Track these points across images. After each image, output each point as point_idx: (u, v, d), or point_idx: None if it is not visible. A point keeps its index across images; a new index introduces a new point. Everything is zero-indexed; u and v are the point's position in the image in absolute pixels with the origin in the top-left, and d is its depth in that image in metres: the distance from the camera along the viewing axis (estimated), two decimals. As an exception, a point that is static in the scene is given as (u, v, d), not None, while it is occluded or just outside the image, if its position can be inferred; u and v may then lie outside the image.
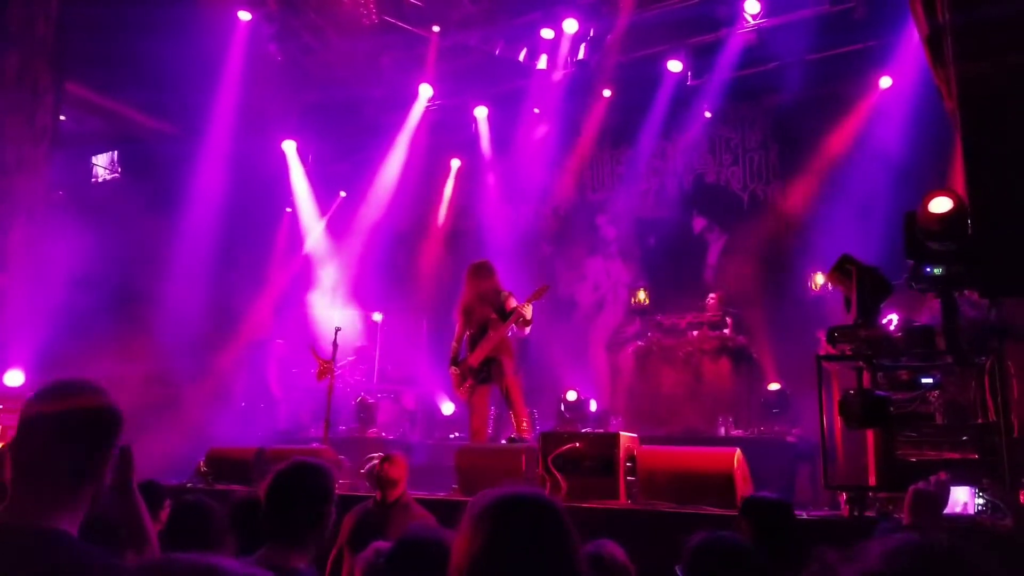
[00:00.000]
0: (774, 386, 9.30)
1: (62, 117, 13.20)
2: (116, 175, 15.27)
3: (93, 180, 15.29)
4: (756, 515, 3.64)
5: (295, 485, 2.66)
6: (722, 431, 9.36)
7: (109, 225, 12.20)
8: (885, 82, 11.05)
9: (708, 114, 12.53)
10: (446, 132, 14.06)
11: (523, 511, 1.75)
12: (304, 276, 14.15)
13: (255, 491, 2.79)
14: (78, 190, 14.41)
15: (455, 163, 14.51)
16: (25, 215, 11.65)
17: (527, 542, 1.69)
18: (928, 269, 5.21)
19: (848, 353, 5.51)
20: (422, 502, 5.76)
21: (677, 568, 2.91)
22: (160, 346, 12.27)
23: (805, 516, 5.48)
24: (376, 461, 6.00)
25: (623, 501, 5.99)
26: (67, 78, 12.25)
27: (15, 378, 9.68)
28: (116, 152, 15.13)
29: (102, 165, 15.35)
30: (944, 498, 3.31)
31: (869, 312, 5.40)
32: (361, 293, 13.34)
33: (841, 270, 5.62)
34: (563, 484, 6.18)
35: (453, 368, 8.03)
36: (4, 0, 11.16)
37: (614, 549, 3.41)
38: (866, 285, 5.43)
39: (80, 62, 11.95)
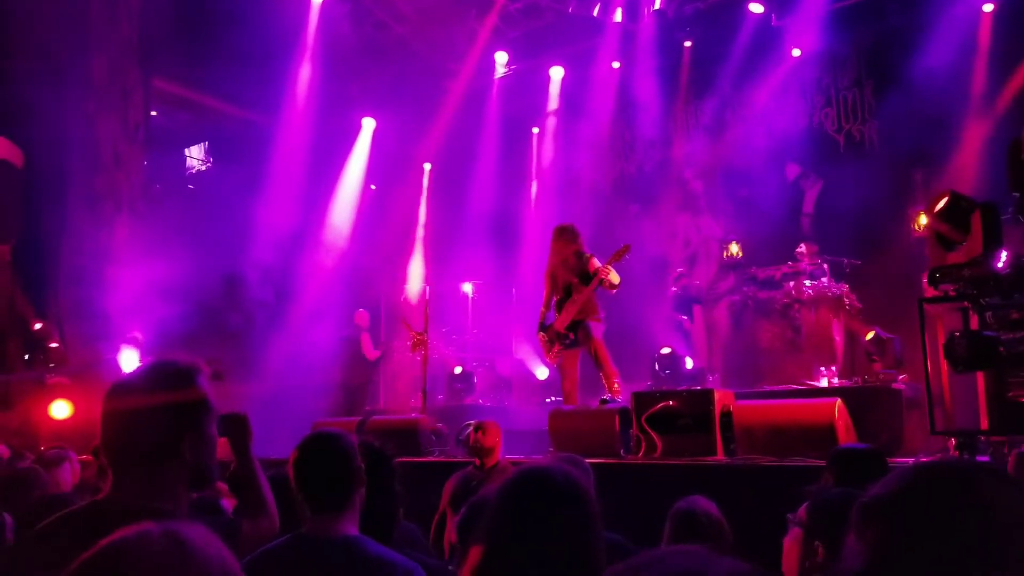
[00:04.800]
0: (871, 334, 8.93)
1: (153, 113, 13.62)
2: (209, 164, 15.67)
3: (188, 171, 15.73)
4: (839, 466, 3.48)
5: (317, 454, 2.66)
6: (825, 382, 9.07)
7: (206, 213, 12.60)
8: (988, 7, 10.45)
9: (797, 52, 12.02)
10: (525, 96, 13.94)
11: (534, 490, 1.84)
12: (391, 250, 14.28)
13: (282, 470, 2.79)
14: (175, 182, 14.88)
15: (535, 129, 14.34)
16: (127, 210, 12.08)
17: (530, 522, 1.78)
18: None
19: (952, 294, 5.25)
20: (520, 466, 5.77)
21: (789, 516, 2.74)
22: (258, 328, 12.63)
23: (913, 463, 5.28)
24: (471, 429, 6.08)
25: (721, 457, 5.88)
26: (154, 74, 12.60)
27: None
28: (207, 142, 15.52)
29: (195, 156, 15.77)
30: None
31: (993, 248, 5.08)
32: (451, 264, 13.39)
33: (956, 208, 5.29)
34: (659, 443, 6.11)
35: (541, 334, 8.01)
36: (87, 4, 11.47)
37: (707, 505, 3.33)
38: (990, 221, 5.12)
39: (164, 57, 12.27)
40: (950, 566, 1.15)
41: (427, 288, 9.45)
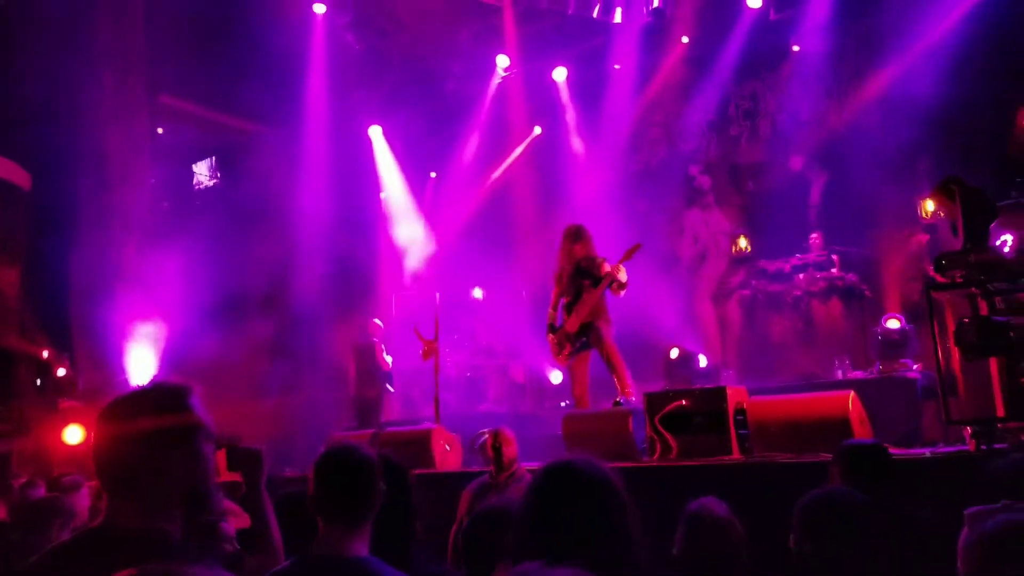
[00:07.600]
0: (893, 323, 8.86)
1: (159, 130, 13.66)
2: (216, 180, 15.71)
3: (196, 187, 15.77)
4: (844, 461, 3.45)
5: (340, 466, 2.59)
6: (839, 374, 9.02)
7: (214, 228, 12.61)
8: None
9: (796, 48, 12.00)
10: (528, 99, 13.92)
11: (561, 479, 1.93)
12: (401, 258, 14.29)
13: (302, 488, 2.75)
14: (183, 198, 14.91)
15: (537, 129, 14.29)
16: (135, 227, 12.10)
17: (560, 508, 1.88)
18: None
19: (959, 280, 5.22)
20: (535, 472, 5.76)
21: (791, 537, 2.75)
22: (274, 341, 12.64)
23: (929, 454, 5.26)
24: (487, 436, 6.01)
25: (736, 456, 5.84)
26: (159, 91, 12.63)
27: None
28: (213, 157, 15.55)
29: (202, 172, 15.80)
30: None
31: (978, 235, 5.08)
32: (459, 270, 13.37)
33: (945, 192, 5.30)
34: (673, 444, 6.07)
35: (551, 336, 7.93)
36: (94, 22, 11.50)
37: (714, 505, 3.31)
38: (972, 207, 5.11)
39: (170, 74, 12.29)
40: None
41: (437, 295, 9.40)
